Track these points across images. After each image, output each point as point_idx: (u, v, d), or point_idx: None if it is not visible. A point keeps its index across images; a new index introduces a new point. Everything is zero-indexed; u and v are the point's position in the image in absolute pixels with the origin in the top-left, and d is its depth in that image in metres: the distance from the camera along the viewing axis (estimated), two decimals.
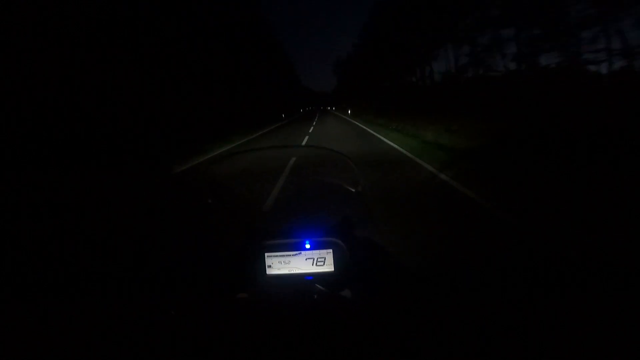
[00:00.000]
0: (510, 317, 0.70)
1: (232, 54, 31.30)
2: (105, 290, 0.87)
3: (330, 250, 0.93)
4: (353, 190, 1.04)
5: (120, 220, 4.06)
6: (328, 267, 0.93)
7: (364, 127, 17.49)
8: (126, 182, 6.34)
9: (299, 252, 0.94)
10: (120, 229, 3.73)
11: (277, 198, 4.57)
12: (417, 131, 11.80)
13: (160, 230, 3.51)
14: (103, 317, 0.76)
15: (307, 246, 0.94)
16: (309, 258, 0.94)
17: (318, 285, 0.84)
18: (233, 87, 29.52)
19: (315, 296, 0.81)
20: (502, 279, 0.85)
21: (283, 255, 0.94)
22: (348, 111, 31.23)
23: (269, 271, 0.94)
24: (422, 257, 2.55)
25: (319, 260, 0.93)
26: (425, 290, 0.87)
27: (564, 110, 10.20)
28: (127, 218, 4.16)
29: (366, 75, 47.94)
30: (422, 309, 0.76)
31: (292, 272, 0.94)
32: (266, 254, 0.94)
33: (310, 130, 17.98)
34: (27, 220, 3.97)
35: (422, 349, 0.63)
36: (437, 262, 2.46)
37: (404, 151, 8.26)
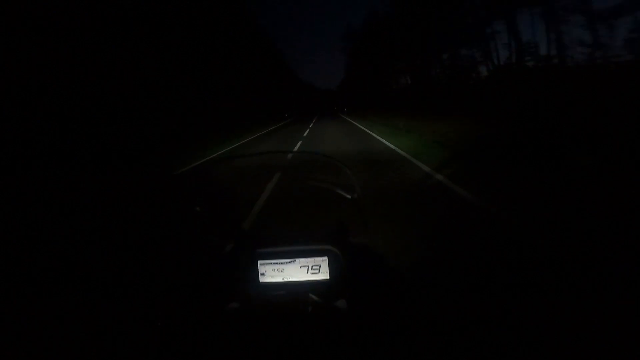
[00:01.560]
0: (511, 324, 0.69)
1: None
2: (93, 303, 0.85)
3: (325, 258, 0.91)
4: (349, 196, 1.02)
5: (113, 226, 4.01)
6: (323, 275, 0.91)
7: None
8: (123, 185, 6.27)
9: (292, 259, 0.91)
10: (113, 237, 3.67)
11: (270, 204, 4.42)
12: None
13: (150, 240, 3.46)
14: (90, 332, 0.74)
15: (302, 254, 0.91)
16: (303, 266, 0.91)
17: (312, 296, 0.81)
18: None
19: (310, 308, 0.79)
20: (500, 288, 0.84)
21: (277, 263, 0.91)
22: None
23: (262, 279, 0.91)
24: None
25: (313, 267, 0.91)
26: (423, 303, 0.85)
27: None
28: (120, 223, 4.11)
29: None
30: (420, 322, 0.74)
31: (285, 280, 0.91)
32: (259, 262, 0.92)
33: None
34: (26, 221, 3.92)
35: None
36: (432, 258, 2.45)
37: None
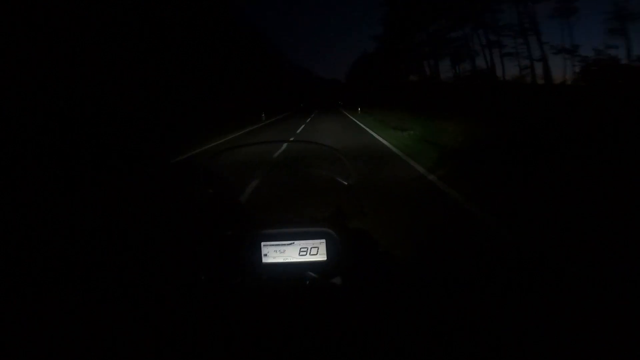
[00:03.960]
0: (496, 310, 0.74)
1: None
2: (102, 279, 0.91)
3: (324, 241, 0.97)
4: (345, 183, 1.09)
5: (118, 211, 4.10)
6: (321, 256, 0.98)
7: None
8: (125, 174, 6.41)
9: (293, 241, 0.99)
10: (118, 219, 3.76)
11: (273, 189, 4.74)
12: None
13: (159, 221, 3.55)
14: (99, 302, 0.80)
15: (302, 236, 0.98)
16: (303, 248, 0.98)
17: (310, 273, 0.89)
18: None
19: (307, 282, 0.86)
20: (490, 272, 0.90)
21: (278, 245, 0.99)
22: None
23: (265, 259, 0.99)
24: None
25: (312, 249, 0.98)
26: (414, 282, 0.92)
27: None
28: (125, 208, 4.21)
29: None
30: (411, 298, 0.81)
31: (286, 260, 0.99)
32: (262, 243, 0.99)
33: None
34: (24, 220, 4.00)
35: (408, 336, 0.68)
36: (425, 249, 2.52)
37: None
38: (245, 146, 1.31)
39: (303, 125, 18.87)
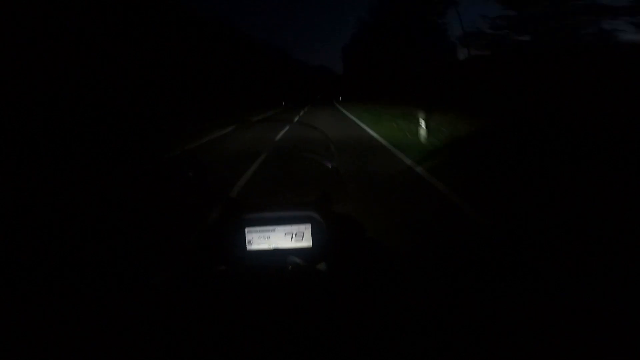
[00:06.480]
0: (484, 299, 0.72)
1: None
2: (86, 267, 0.88)
3: (309, 225, 0.94)
4: (330, 166, 1.06)
5: (105, 201, 4.08)
6: (306, 242, 0.95)
7: None
8: (115, 167, 6.42)
9: (277, 227, 0.95)
10: (103, 207, 3.73)
11: (259, 172, 4.90)
12: None
13: (143, 207, 3.52)
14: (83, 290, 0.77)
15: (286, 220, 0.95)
16: (288, 233, 0.95)
17: (294, 258, 0.86)
18: None
19: (290, 267, 0.83)
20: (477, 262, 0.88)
21: (263, 230, 0.95)
22: None
23: (249, 246, 0.95)
24: None
25: (297, 235, 0.95)
26: (398, 266, 0.89)
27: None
28: (111, 197, 4.18)
29: None
30: (394, 283, 0.79)
31: (271, 247, 0.95)
32: (246, 229, 0.95)
33: None
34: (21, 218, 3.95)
35: (393, 324, 0.66)
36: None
37: None
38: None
39: None
